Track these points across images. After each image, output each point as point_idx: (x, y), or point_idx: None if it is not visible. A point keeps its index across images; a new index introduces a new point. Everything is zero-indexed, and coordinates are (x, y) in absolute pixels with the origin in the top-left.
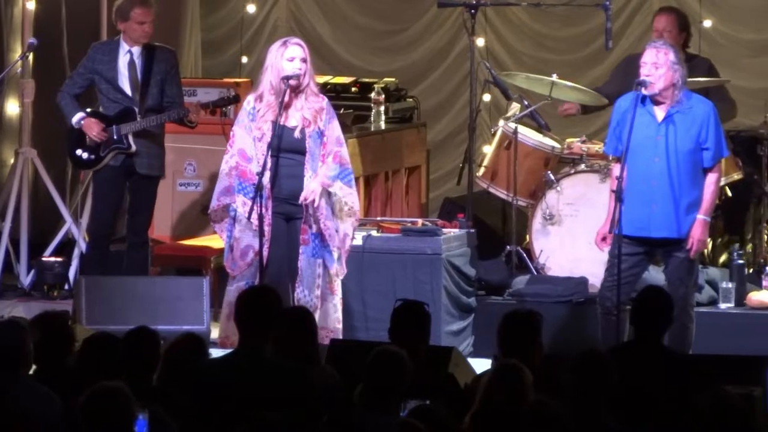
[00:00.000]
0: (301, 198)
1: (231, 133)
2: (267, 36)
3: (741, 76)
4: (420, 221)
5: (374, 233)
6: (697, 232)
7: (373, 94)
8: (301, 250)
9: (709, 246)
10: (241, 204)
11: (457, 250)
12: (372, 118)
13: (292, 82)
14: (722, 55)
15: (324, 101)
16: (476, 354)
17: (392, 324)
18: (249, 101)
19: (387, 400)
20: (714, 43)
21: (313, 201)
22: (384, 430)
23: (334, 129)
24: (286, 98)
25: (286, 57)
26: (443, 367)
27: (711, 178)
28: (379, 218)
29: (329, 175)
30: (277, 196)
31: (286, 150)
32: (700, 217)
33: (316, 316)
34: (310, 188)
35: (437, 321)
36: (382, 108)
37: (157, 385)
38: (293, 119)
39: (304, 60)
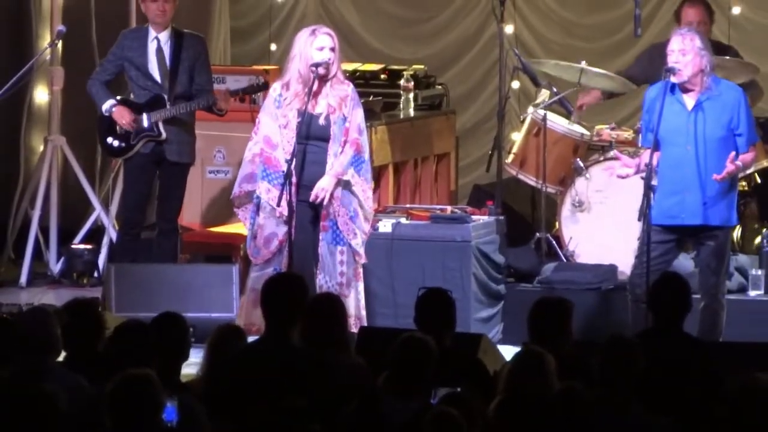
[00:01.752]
0: (312, 197)
1: (257, 119)
2: (296, 23)
3: None
4: (449, 208)
5: (403, 221)
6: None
7: (402, 81)
8: (321, 237)
9: (739, 232)
10: (264, 191)
11: (486, 237)
12: (401, 106)
13: (320, 70)
14: (751, 42)
15: (350, 87)
16: (505, 341)
17: (417, 312)
18: (275, 88)
19: (412, 387)
20: (743, 31)
21: (324, 199)
22: (409, 416)
23: (357, 116)
24: (315, 87)
25: (316, 46)
26: (472, 353)
27: (749, 155)
28: (408, 205)
29: (344, 163)
30: (302, 183)
31: (312, 137)
32: (738, 162)
33: None
34: (321, 185)
35: (467, 308)
36: (411, 95)
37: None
38: (319, 106)
39: (333, 49)
